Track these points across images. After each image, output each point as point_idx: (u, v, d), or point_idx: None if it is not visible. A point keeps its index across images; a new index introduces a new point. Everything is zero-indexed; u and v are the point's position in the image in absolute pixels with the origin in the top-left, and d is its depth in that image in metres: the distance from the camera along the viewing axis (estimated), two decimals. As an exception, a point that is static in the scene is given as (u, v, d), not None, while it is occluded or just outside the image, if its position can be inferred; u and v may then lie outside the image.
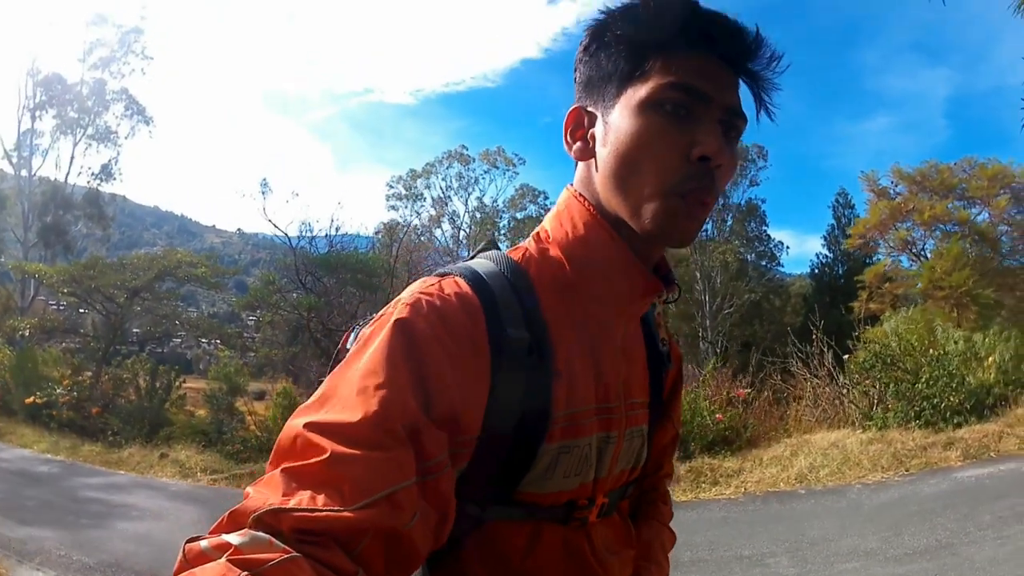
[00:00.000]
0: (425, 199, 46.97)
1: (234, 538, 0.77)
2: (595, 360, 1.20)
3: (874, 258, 33.57)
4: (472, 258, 1.25)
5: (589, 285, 1.20)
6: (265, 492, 0.84)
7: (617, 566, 1.32)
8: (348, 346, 1.25)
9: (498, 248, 1.34)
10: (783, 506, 9.01)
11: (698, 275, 37.20)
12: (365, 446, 0.86)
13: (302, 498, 0.82)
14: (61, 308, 30.07)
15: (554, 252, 1.22)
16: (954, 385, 11.85)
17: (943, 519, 7.37)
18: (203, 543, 0.78)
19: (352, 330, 1.31)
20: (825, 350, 13.62)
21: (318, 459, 0.85)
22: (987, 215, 31.50)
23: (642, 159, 1.11)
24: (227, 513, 0.83)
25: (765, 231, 41.18)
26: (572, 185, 1.27)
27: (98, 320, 24.20)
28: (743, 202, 40.55)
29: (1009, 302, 27.79)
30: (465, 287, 1.08)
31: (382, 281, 19.90)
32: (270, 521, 0.80)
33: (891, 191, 34.27)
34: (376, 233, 35.24)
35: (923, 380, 12.00)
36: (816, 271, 40.56)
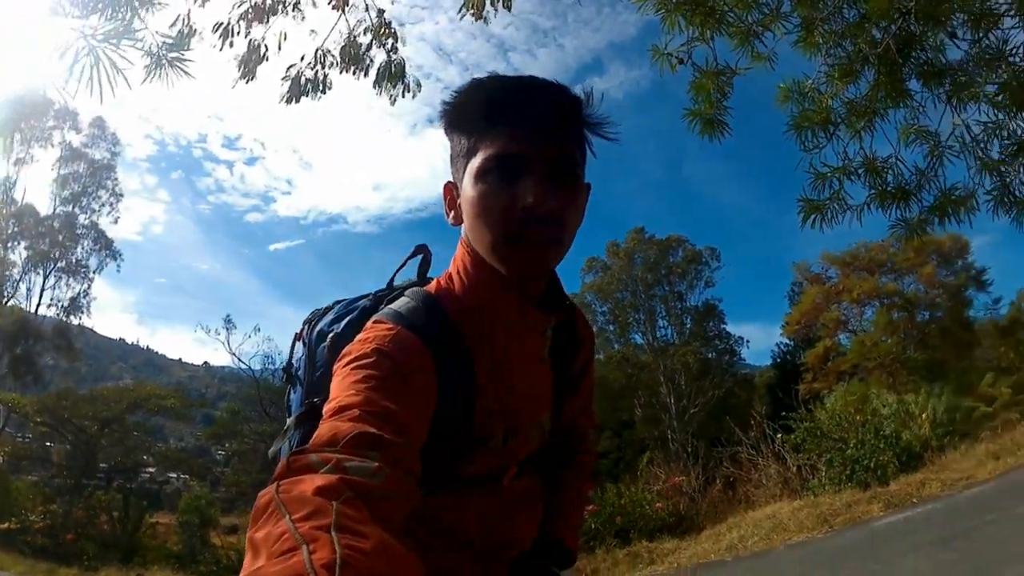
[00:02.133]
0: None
1: (343, 458, 0.96)
2: (502, 378, 1.48)
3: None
4: (400, 293, 1.55)
5: (488, 323, 1.47)
6: (350, 423, 1.07)
7: (525, 514, 1.68)
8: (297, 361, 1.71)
9: (423, 279, 1.70)
10: (708, 573, 9.47)
11: (661, 378, 37.10)
12: (405, 413, 1.16)
13: (385, 432, 1.07)
14: (27, 440, 29.49)
15: (458, 292, 1.48)
16: (883, 445, 12.43)
17: (847, 561, 7.97)
18: (312, 455, 0.97)
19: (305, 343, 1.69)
20: (771, 434, 14.20)
21: (379, 409, 1.12)
22: (917, 284, 32.35)
23: (481, 218, 1.38)
24: (330, 434, 1.03)
25: (724, 329, 41.01)
26: (463, 238, 1.53)
27: (67, 452, 24.09)
28: (700, 304, 40.57)
29: (949, 360, 27.99)
30: (414, 339, 1.34)
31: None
32: (373, 442, 1.03)
33: (823, 276, 35.00)
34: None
35: (852, 445, 12.59)
36: (778, 360, 40.74)
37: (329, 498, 0.84)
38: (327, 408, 1.16)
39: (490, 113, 1.38)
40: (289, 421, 1.63)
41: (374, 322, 1.40)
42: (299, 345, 1.73)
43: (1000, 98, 4.17)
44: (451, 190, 1.52)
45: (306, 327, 1.72)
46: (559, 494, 1.86)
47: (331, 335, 1.57)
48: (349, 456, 0.97)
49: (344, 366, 1.27)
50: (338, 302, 1.73)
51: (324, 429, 1.06)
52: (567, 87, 1.42)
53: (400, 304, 1.45)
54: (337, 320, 1.63)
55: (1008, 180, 4.35)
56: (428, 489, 1.20)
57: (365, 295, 1.69)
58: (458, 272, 1.51)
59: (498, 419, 1.48)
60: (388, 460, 1.00)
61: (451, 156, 1.49)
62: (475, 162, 1.38)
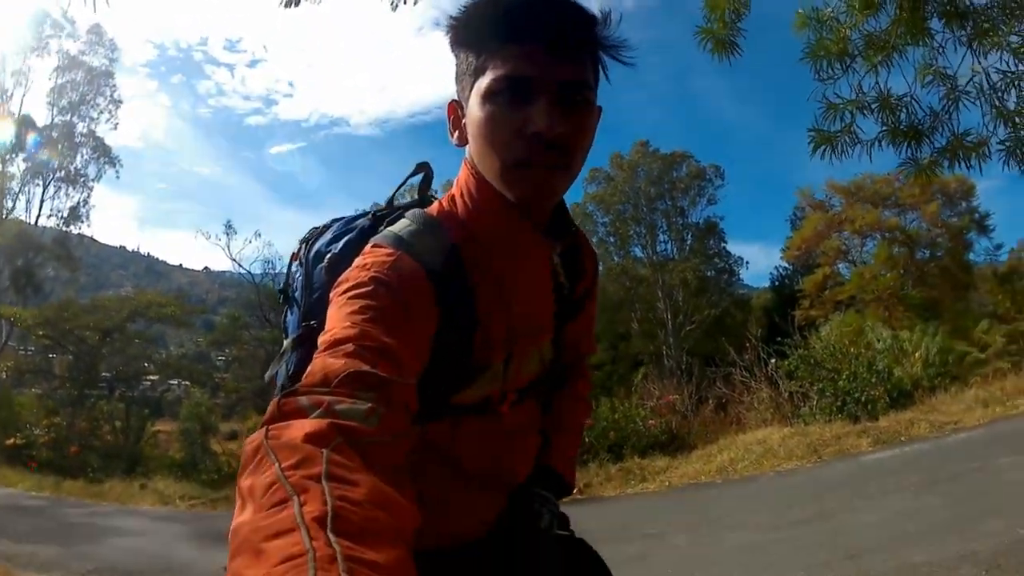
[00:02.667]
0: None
1: (335, 401, 0.93)
2: (504, 304, 1.43)
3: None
4: (401, 214, 1.51)
5: (492, 248, 1.43)
6: (343, 359, 1.04)
7: (525, 443, 1.67)
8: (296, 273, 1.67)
9: (426, 201, 1.65)
10: (697, 494, 9.72)
11: (659, 293, 37.18)
12: (400, 346, 1.13)
13: (380, 369, 1.04)
14: (30, 352, 29.72)
15: (461, 216, 1.44)
16: (874, 380, 12.64)
17: (833, 494, 8.11)
18: (303, 398, 0.94)
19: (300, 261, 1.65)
20: (765, 358, 14.41)
21: (375, 343, 1.09)
22: (920, 221, 32.46)
23: (488, 141, 1.32)
24: (322, 373, 1.00)
25: (724, 248, 41.10)
26: (467, 159, 1.46)
27: (69, 363, 24.21)
28: (702, 221, 40.50)
29: (946, 300, 28.15)
30: (414, 264, 1.29)
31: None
32: (366, 381, 1.00)
33: (826, 204, 34.94)
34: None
35: (845, 377, 12.79)
36: (776, 283, 41.03)
37: (319, 445, 0.83)
38: (322, 340, 1.14)
39: (500, 31, 1.31)
40: (286, 343, 1.62)
41: (373, 246, 1.36)
42: (296, 265, 1.70)
43: (1023, 50, 4.19)
44: (456, 109, 1.46)
45: (303, 247, 1.69)
46: (555, 421, 1.83)
47: (329, 255, 1.55)
48: (341, 398, 0.94)
49: (341, 294, 1.24)
50: (336, 220, 1.71)
51: (317, 365, 1.04)
52: (583, 6, 1.34)
53: (400, 227, 1.41)
54: (335, 240, 1.60)
55: (1023, 133, 4.37)
56: (425, 416, 1.21)
57: (364, 213, 1.66)
58: (462, 195, 1.47)
59: (499, 346, 1.45)
60: (382, 400, 0.98)
61: (456, 74, 1.43)
62: (483, 82, 1.32)
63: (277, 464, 0.78)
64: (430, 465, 1.44)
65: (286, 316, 1.73)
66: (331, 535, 0.66)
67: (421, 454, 1.27)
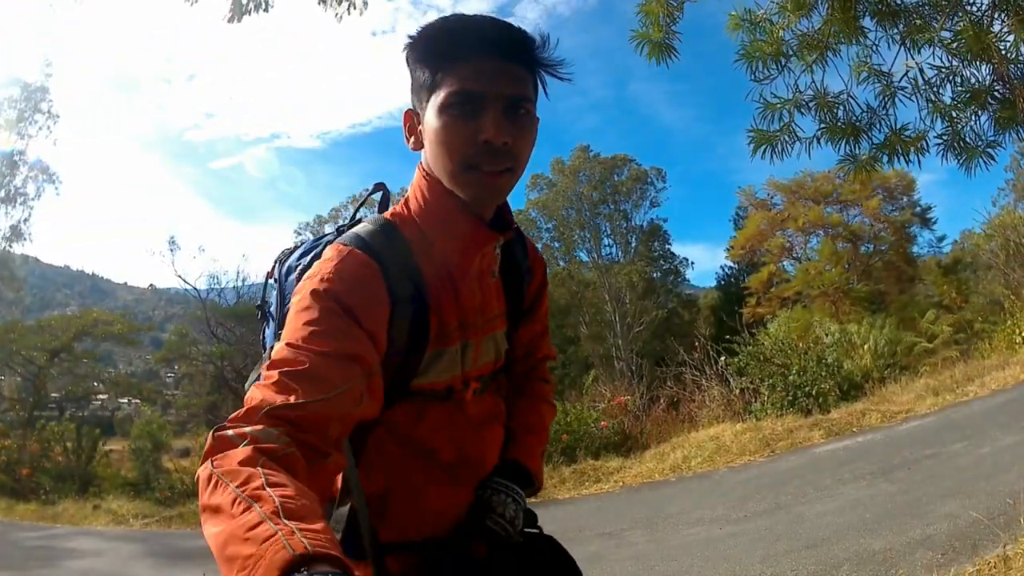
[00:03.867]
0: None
1: (253, 431, 1.11)
2: (455, 292, 1.60)
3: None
4: (360, 220, 1.67)
5: (442, 241, 1.59)
6: (267, 391, 1.21)
7: (489, 432, 1.77)
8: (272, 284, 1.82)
9: (386, 206, 1.81)
10: (653, 492, 9.69)
11: (607, 296, 37.40)
12: (328, 361, 1.27)
13: (295, 396, 1.20)
14: None
15: (415, 217, 1.61)
16: (824, 373, 12.73)
17: (788, 486, 8.14)
18: (229, 432, 1.12)
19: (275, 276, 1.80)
20: (715, 356, 14.40)
21: (300, 367, 1.24)
22: (862, 216, 32.95)
23: (444, 147, 1.49)
24: (244, 409, 1.18)
25: (669, 249, 41.49)
26: (421, 163, 1.64)
27: (18, 384, 23.73)
28: (645, 223, 40.86)
29: (892, 293, 28.60)
30: (364, 256, 1.46)
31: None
32: (277, 415, 1.16)
33: (768, 203, 35.34)
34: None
35: (795, 371, 12.87)
36: (722, 282, 41.31)
37: (252, 466, 1.03)
38: (273, 353, 1.32)
39: (455, 51, 1.47)
40: (264, 355, 1.73)
41: (333, 244, 1.52)
42: (271, 283, 1.84)
43: (955, 45, 4.23)
44: (411, 117, 1.63)
45: (277, 265, 1.83)
46: (521, 422, 1.93)
47: (299, 268, 1.68)
48: (260, 427, 1.14)
49: (293, 305, 1.41)
50: (305, 241, 1.83)
51: (251, 395, 1.24)
52: (525, 30, 1.53)
53: (359, 228, 1.58)
54: (304, 255, 1.73)
55: (959, 127, 4.45)
56: (390, 400, 1.46)
57: (331, 232, 1.76)
58: (415, 197, 1.63)
59: (453, 331, 1.60)
60: (292, 428, 1.17)
61: (412, 87, 1.60)
62: (439, 95, 1.48)
63: (232, 486, 0.99)
64: (401, 455, 1.58)
65: (264, 330, 1.87)
66: (285, 520, 0.91)
67: (398, 442, 1.57)
